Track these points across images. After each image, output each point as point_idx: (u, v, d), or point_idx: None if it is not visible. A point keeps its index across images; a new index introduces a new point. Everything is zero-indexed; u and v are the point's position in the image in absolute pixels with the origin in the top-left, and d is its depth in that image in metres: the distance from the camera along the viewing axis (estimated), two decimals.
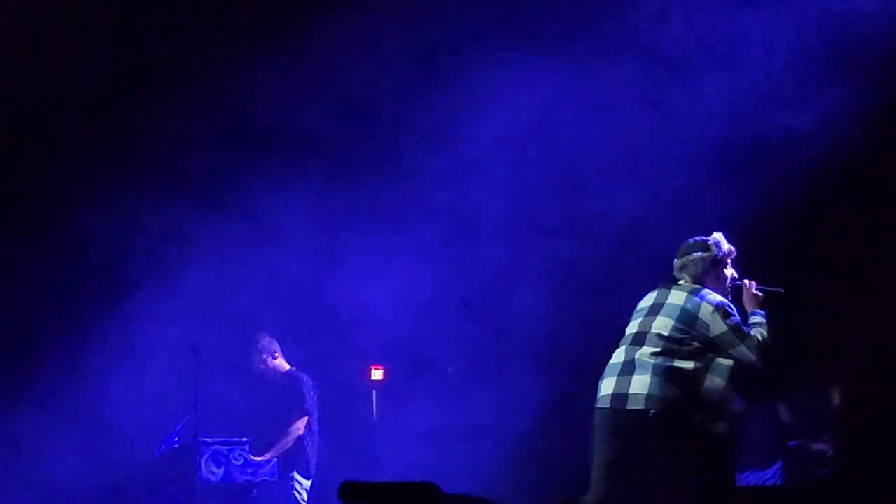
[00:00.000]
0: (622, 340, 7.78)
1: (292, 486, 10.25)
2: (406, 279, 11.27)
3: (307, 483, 10.31)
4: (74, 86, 10.94)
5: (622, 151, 10.64)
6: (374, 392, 12.22)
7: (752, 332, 7.72)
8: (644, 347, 7.63)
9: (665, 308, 7.73)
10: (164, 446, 10.18)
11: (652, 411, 7.44)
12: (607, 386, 7.62)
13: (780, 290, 8.04)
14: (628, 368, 7.60)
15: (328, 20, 10.65)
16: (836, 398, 9.99)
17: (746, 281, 7.99)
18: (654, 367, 7.53)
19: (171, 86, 11.11)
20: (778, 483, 9.69)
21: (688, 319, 7.64)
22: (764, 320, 7.83)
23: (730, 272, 7.97)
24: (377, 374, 12.31)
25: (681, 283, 7.88)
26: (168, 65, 11.23)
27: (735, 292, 7.95)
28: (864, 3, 9.91)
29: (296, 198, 11.25)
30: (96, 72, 10.93)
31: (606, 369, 7.72)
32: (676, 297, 7.77)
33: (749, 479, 9.76)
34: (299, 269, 11.52)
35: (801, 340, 9.90)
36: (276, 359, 10.58)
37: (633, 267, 10.32)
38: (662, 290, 7.87)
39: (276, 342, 10.62)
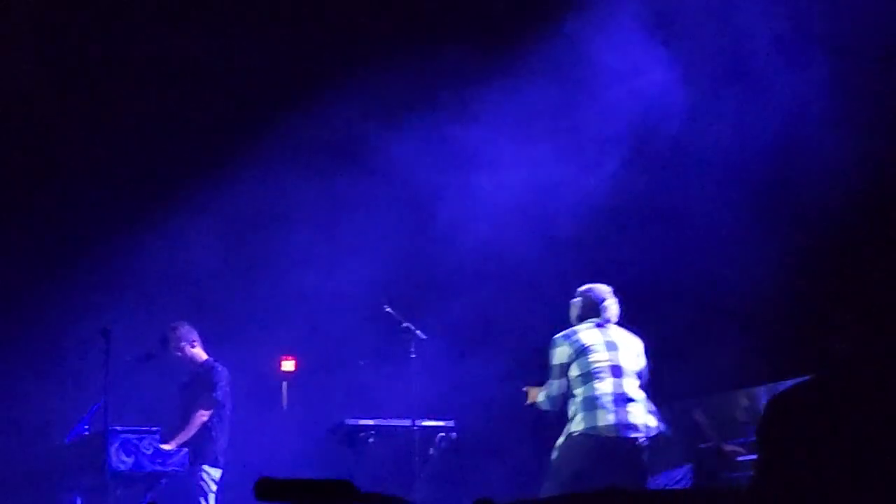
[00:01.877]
0: (595, 371, 8.35)
1: (200, 475, 10.17)
2: (325, 271, 11.26)
3: (216, 473, 10.23)
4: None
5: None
6: (284, 383, 12.15)
7: None
8: (626, 379, 8.38)
9: (624, 345, 8.52)
10: (73, 433, 10.06)
11: (643, 439, 8.31)
12: (606, 416, 8.23)
13: None
14: (623, 400, 8.30)
15: None
16: (742, 403, 10.08)
17: None
18: (642, 400, 8.39)
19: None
20: (688, 485, 9.75)
21: (641, 356, 8.55)
22: None
23: None
24: (288, 366, 12.23)
25: (612, 323, 8.65)
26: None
27: None
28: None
29: (215, 189, 11.23)
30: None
31: (598, 399, 8.28)
32: (627, 337, 8.59)
33: (659, 480, 9.80)
34: (214, 259, 11.47)
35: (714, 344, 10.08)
36: (193, 347, 10.50)
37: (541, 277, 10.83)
38: (612, 327, 8.60)
39: (194, 331, 10.54)
